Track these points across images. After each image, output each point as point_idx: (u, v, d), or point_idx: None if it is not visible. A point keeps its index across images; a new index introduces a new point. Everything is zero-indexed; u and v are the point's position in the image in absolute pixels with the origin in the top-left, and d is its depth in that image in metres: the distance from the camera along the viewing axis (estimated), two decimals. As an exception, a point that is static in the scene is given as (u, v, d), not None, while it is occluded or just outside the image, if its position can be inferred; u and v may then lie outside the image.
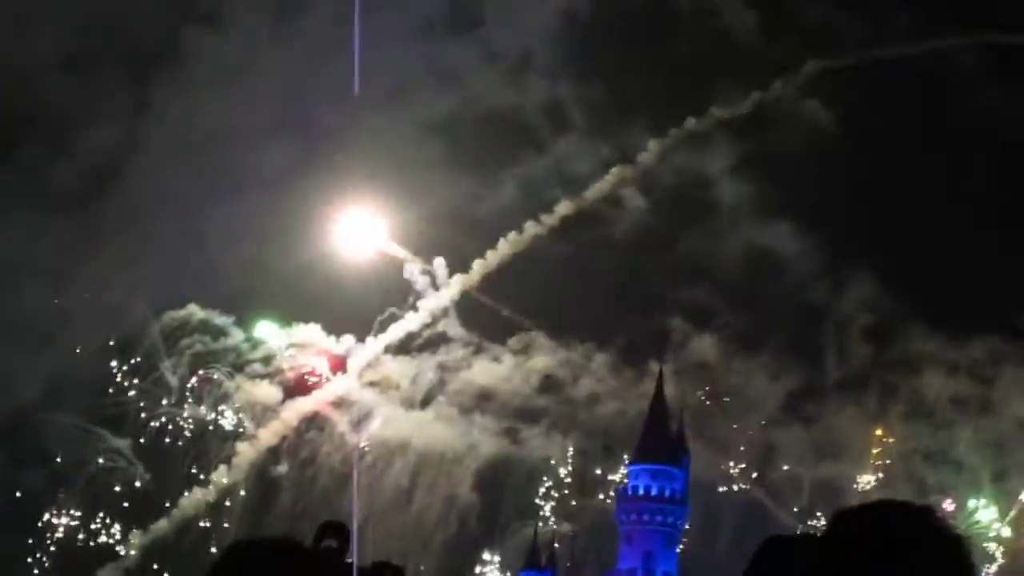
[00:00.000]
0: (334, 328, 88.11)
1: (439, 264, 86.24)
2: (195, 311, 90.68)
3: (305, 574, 4.51)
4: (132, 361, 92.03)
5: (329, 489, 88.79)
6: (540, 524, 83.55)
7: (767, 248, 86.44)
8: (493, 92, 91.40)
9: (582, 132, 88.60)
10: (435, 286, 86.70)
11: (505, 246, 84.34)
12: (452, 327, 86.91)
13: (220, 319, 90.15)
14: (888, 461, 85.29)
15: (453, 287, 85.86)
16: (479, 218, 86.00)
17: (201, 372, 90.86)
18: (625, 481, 75.72)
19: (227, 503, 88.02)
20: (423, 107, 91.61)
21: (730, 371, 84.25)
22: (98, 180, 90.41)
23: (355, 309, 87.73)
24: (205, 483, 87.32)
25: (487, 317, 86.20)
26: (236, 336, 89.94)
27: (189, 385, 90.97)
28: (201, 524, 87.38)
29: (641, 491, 72.45)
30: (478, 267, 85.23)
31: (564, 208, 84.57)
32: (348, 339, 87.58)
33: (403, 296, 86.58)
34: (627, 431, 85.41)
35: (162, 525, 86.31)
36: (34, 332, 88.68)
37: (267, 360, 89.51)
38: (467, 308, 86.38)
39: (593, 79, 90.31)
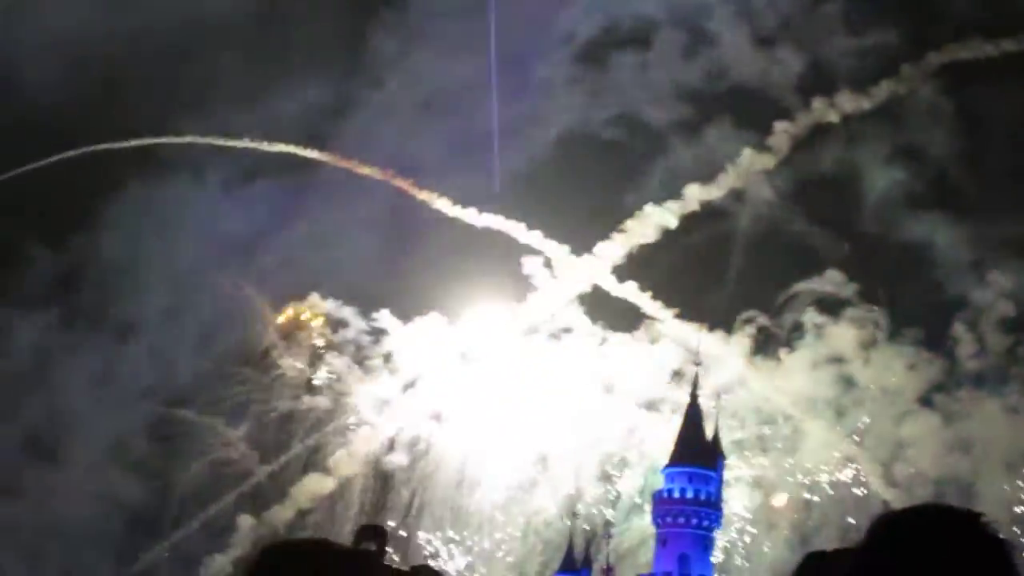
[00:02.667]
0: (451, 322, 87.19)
1: (561, 251, 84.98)
2: (316, 302, 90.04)
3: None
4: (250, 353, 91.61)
5: (445, 482, 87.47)
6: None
7: (903, 238, 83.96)
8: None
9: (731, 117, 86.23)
10: (554, 274, 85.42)
11: (633, 231, 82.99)
12: (576, 316, 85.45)
13: (342, 310, 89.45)
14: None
15: (579, 274, 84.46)
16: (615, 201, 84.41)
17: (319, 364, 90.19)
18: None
19: (343, 495, 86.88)
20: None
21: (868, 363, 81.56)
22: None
23: (472, 301, 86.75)
24: (322, 473, 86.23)
25: (611, 306, 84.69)
26: (357, 327, 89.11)
27: (308, 378, 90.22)
28: (314, 517, 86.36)
29: (677, 494, 72.38)
30: (602, 254, 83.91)
31: (696, 193, 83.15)
32: (469, 328, 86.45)
33: (521, 285, 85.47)
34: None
35: (276, 512, 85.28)
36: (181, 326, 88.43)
37: (387, 354, 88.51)
38: (590, 297, 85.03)
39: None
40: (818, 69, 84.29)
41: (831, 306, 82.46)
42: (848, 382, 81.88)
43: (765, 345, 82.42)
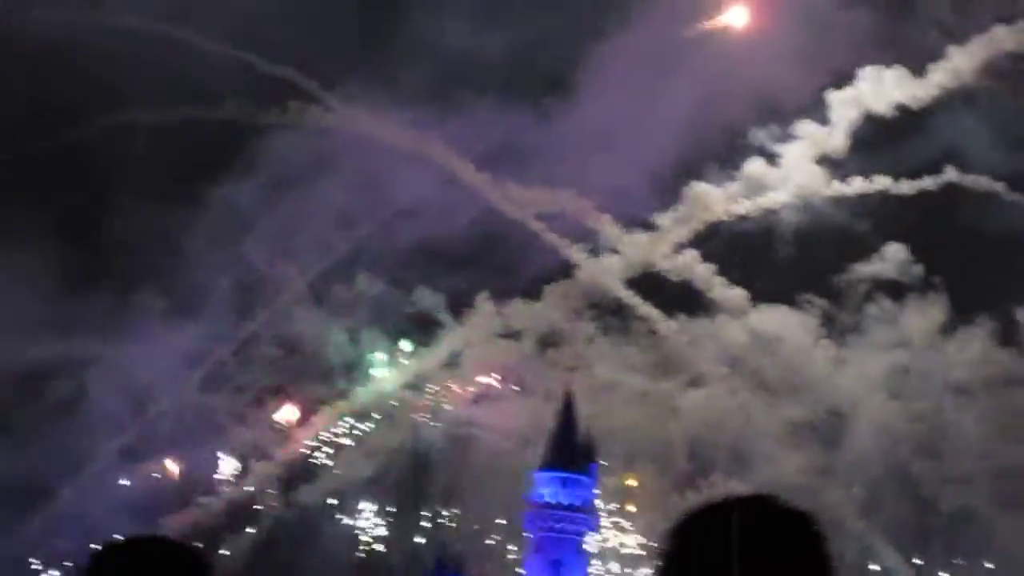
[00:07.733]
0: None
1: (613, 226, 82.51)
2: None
3: (180, 570, 4.65)
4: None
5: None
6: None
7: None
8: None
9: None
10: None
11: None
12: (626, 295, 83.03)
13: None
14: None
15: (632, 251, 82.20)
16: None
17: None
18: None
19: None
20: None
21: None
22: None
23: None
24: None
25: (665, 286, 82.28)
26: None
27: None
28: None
29: (549, 499, 70.62)
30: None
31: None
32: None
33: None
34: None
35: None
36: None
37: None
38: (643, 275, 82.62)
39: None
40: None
41: (894, 290, 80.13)
42: (907, 370, 79.37)
43: (828, 327, 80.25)
